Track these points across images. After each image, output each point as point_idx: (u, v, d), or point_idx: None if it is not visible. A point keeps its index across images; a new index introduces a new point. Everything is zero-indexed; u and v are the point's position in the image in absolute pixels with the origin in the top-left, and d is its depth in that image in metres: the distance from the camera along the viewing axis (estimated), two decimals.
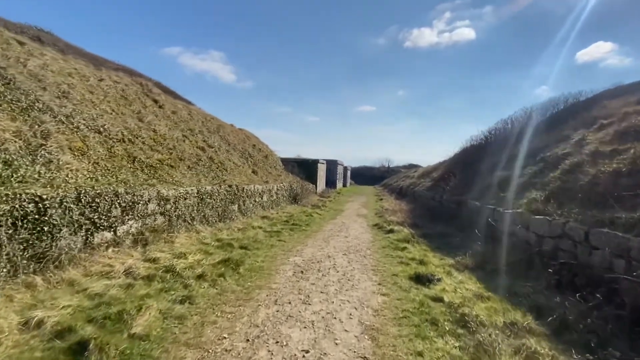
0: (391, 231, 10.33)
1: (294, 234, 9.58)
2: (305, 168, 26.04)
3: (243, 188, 11.36)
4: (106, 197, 5.57)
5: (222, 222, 9.46)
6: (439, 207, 13.02)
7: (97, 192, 5.43)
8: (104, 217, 5.50)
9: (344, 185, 48.71)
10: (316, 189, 25.58)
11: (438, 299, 4.74)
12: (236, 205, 10.72)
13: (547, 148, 9.96)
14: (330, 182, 38.46)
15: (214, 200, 9.23)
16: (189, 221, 7.94)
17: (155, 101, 11.54)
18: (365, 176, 75.05)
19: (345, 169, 50.11)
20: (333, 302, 4.63)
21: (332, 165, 39.78)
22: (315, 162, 26.17)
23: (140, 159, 7.90)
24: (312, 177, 25.85)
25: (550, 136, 10.98)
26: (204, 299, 4.45)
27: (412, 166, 69.53)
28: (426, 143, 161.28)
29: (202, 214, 8.59)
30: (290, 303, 4.51)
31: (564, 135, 10.19)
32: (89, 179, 5.83)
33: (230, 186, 10.38)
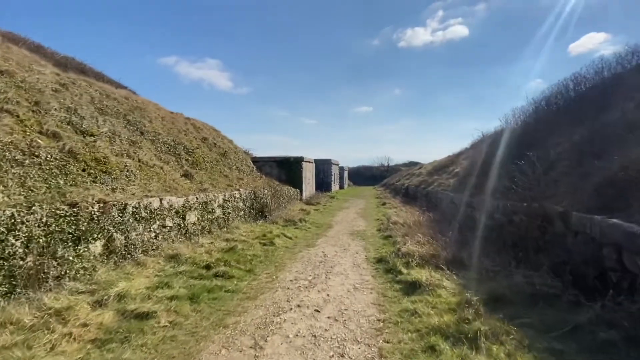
0: (416, 285, 4.87)
1: (191, 317, 4.09)
2: (286, 169, 20.65)
3: (125, 206, 5.92)
4: None
5: (22, 295, 3.99)
6: (489, 222, 7.56)
7: None
8: None
9: (341, 187, 43.30)
10: (301, 194, 20.16)
11: None
12: (97, 244, 5.26)
13: None
14: (324, 185, 33.07)
15: None
16: None
17: None
18: (364, 176, 70.05)
19: (341, 169, 44.72)
20: None
21: (324, 165, 34.39)
22: (298, 161, 20.75)
23: None
24: (295, 180, 20.44)
25: None
26: None
27: (412, 164, 64.49)
28: (424, 141, 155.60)
29: None
30: None
31: None
32: None
33: (74, 205, 4.93)
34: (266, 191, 12.97)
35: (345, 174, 49.20)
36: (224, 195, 9.76)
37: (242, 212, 10.92)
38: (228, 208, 9.88)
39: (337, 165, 40.46)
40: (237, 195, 10.68)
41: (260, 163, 20.79)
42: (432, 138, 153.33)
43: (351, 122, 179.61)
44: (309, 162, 23.20)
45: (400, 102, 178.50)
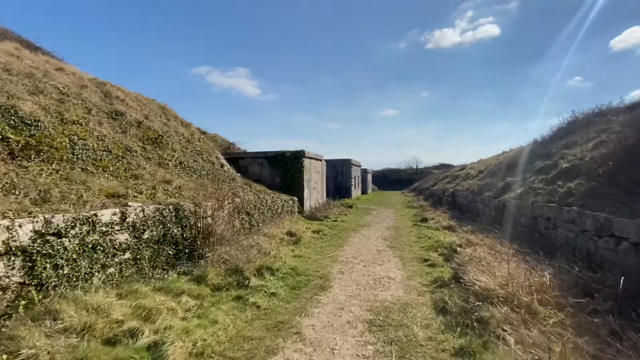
0: None
1: None
2: (281, 168, 14.54)
3: None
4: None
5: None
6: None
7: None
8: None
9: (364, 192, 36.63)
10: (302, 204, 13.94)
11: None
12: None
13: None
14: (342, 190, 26.79)
15: None
16: None
17: None
18: (389, 180, 62.64)
19: (364, 171, 38.09)
20: None
21: (343, 166, 28.08)
22: (297, 157, 14.54)
23: None
24: (293, 183, 14.29)
25: None
26: None
27: (444, 166, 56.59)
28: (452, 144, 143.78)
29: None
30: None
31: None
32: None
33: None
34: (206, 205, 6.81)
35: (369, 177, 42.43)
36: (42, 224, 3.75)
37: (129, 255, 4.87)
38: (59, 255, 3.85)
39: (359, 166, 33.91)
40: (112, 219, 4.64)
41: (246, 161, 14.88)
42: (461, 141, 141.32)
43: (376, 126, 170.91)
44: (316, 159, 16.92)
45: (428, 105, 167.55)
